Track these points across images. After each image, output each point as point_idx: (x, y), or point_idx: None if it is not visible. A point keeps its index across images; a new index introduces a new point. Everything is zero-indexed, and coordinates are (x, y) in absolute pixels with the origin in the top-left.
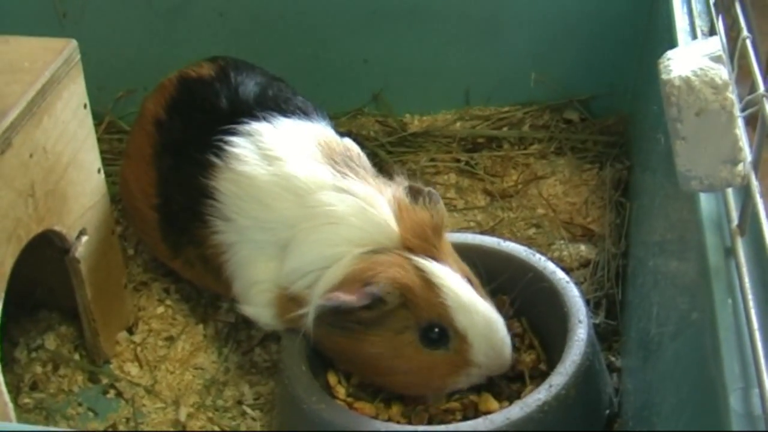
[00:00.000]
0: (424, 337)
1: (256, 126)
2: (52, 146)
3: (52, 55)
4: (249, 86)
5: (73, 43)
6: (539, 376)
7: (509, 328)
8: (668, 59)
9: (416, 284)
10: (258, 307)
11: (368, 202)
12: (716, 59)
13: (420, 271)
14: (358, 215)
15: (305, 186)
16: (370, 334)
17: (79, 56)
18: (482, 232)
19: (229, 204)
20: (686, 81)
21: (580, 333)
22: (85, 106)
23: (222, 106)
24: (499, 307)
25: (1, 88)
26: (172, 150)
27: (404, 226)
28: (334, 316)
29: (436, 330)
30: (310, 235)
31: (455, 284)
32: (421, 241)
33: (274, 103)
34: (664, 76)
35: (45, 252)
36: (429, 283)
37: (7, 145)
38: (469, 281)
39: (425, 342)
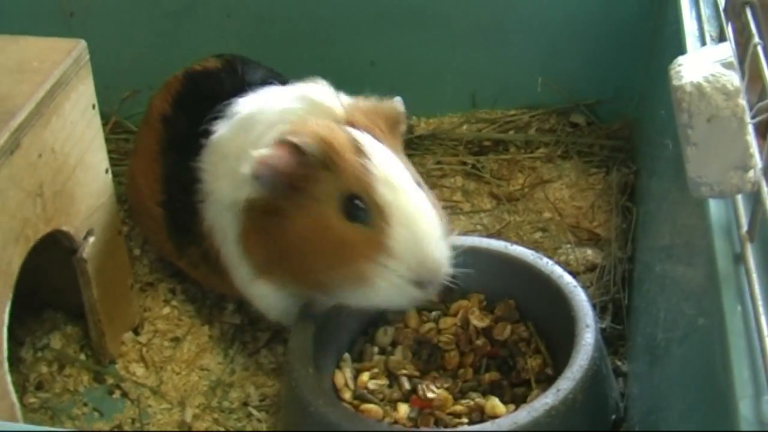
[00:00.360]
0: (345, 208)
1: (240, 100)
2: (60, 147)
3: (61, 56)
4: (256, 76)
5: (82, 43)
6: (545, 381)
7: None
8: (679, 65)
9: (343, 147)
10: (255, 287)
11: (315, 93)
12: (728, 65)
13: (353, 141)
14: (301, 101)
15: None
16: (295, 208)
17: (88, 57)
18: (488, 236)
19: (208, 179)
20: (698, 87)
21: (588, 337)
22: (93, 107)
23: (227, 93)
24: (506, 311)
25: (9, 88)
26: (177, 145)
27: (352, 110)
28: (267, 193)
29: (357, 201)
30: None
31: (386, 158)
32: (368, 122)
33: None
34: (675, 82)
35: (51, 252)
36: (359, 152)
37: (15, 146)
38: (419, 185)
39: (346, 213)
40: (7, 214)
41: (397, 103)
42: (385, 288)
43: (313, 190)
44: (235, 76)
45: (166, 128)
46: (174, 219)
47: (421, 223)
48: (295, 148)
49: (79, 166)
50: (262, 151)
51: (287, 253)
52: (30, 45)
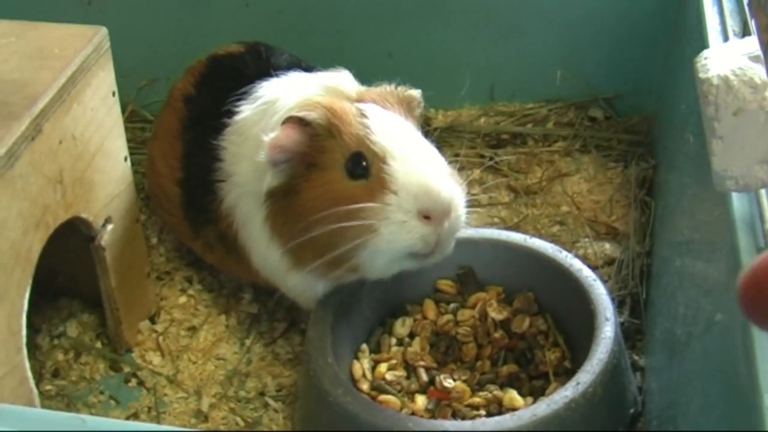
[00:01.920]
0: (349, 169)
1: (264, 84)
2: (80, 133)
3: (82, 42)
4: (280, 59)
5: (103, 30)
6: (564, 374)
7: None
8: (705, 58)
9: (347, 113)
10: (288, 276)
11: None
12: (755, 59)
13: (357, 108)
14: (320, 87)
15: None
16: (306, 182)
17: (108, 44)
18: (506, 229)
19: (229, 159)
20: (725, 80)
21: (607, 331)
22: (113, 94)
23: (252, 74)
24: (525, 304)
25: (31, 75)
26: (199, 122)
27: (365, 92)
28: (282, 172)
29: (360, 160)
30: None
31: (387, 118)
32: (380, 99)
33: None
34: (701, 75)
35: (68, 240)
36: (361, 116)
37: (37, 132)
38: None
39: (350, 173)
40: (28, 200)
41: (414, 90)
42: (391, 229)
43: (321, 160)
44: (259, 59)
45: (188, 108)
46: (191, 198)
47: (420, 156)
48: (300, 121)
49: (99, 153)
50: (271, 135)
51: (303, 226)
52: (51, 31)
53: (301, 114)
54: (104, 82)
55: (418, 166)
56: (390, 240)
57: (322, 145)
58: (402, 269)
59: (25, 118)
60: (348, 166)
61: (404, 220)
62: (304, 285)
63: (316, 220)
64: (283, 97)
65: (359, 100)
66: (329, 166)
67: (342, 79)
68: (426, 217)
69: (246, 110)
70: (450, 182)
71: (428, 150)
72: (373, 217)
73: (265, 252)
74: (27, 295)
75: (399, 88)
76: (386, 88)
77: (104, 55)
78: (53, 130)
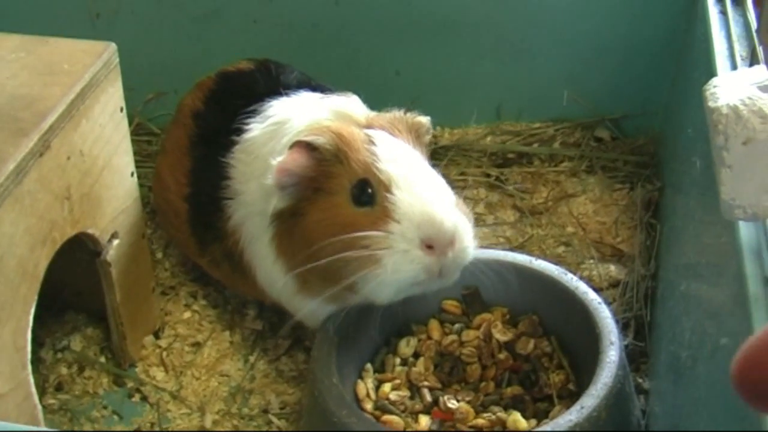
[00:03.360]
0: (355, 196)
1: (274, 102)
2: (88, 149)
3: (91, 58)
4: (290, 77)
5: (113, 46)
6: (568, 396)
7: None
8: (714, 86)
9: (355, 139)
10: (294, 297)
11: (343, 105)
12: (764, 88)
13: (366, 135)
14: (329, 111)
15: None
16: (312, 206)
17: (117, 60)
18: (511, 249)
19: (237, 177)
20: (734, 110)
21: (612, 355)
22: (121, 110)
23: (261, 92)
24: (529, 327)
25: (40, 90)
26: (207, 140)
27: (374, 117)
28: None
29: (365, 187)
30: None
31: (396, 145)
32: (388, 125)
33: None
34: (711, 104)
35: (73, 254)
36: (369, 143)
37: (45, 148)
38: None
39: (355, 200)
40: (36, 216)
41: (423, 117)
42: (394, 259)
43: (328, 186)
44: (269, 77)
45: (197, 124)
46: (198, 214)
47: (425, 186)
48: (308, 146)
49: (106, 169)
50: (279, 159)
51: (309, 253)
52: (60, 46)
53: (309, 138)
54: (113, 98)
55: (422, 195)
56: (393, 270)
57: (329, 170)
58: (407, 295)
59: (34, 135)
60: (354, 192)
61: (407, 249)
62: (310, 307)
63: (322, 248)
64: (293, 119)
65: (368, 125)
66: (335, 192)
67: (351, 104)
68: (429, 246)
69: (255, 129)
70: (454, 212)
71: (434, 179)
72: (376, 246)
73: (270, 271)
74: (32, 311)
75: (408, 115)
76: (395, 114)
77: (113, 71)
78: (61, 146)
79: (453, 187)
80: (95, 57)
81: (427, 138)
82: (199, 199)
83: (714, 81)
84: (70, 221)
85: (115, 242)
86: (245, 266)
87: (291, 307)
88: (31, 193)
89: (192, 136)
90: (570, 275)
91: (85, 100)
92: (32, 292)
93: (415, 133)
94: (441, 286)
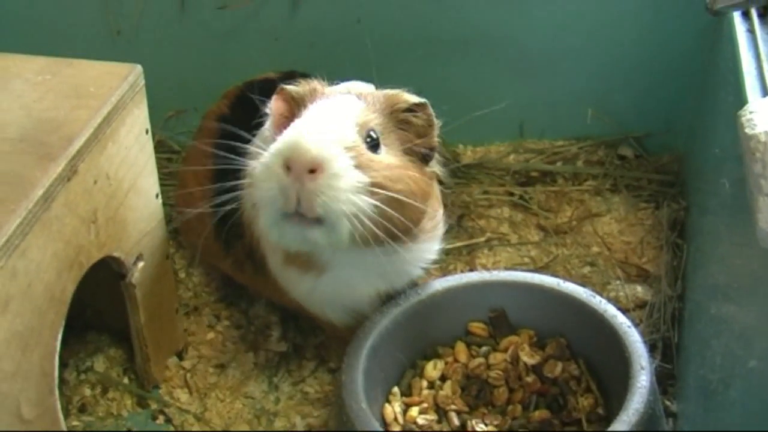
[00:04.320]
0: None
1: None
2: (114, 172)
3: (117, 81)
4: None
5: (138, 68)
6: (596, 420)
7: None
8: (750, 113)
9: (319, 93)
10: (293, 278)
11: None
12: None
13: (326, 93)
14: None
15: None
16: None
17: (143, 82)
18: (536, 269)
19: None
20: None
21: (643, 380)
22: (147, 131)
23: None
24: (557, 350)
25: (66, 113)
26: (231, 143)
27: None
28: None
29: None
30: None
31: (336, 98)
32: (369, 95)
33: None
34: (748, 131)
35: (97, 275)
36: (322, 95)
37: (73, 173)
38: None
39: None
40: (63, 241)
41: (414, 96)
42: (258, 171)
43: None
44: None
45: (222, 128)
46: (222, 216)
47: (311, 120)
48: (283, 92)
49: (132, 191)
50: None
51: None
52: (85, 69)
53: (287, 87)
54: (138, 120)
55: (301, 126)
56: (257, 187)
57: (294, 116)
58: (299, 249)
59: (62, 160)
60: None
61: (269, 165)
62: (315, 293)
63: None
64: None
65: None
66: None
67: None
68: (288, 167)
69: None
70: (329, 146)
71: (331, 118)
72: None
73: (272, 257)
74: (59, 336)
75: (397, 91)
76: (386, 90)
77: (139, 93)
78: (88, 170)
79: (476, 207)
80: (121, 79)
81: (418, 122)
82: (223, 202)
83: (749, 107)
84: (97, 245)
85: (140, 264)
86: (263, 261)
87: (297, 294)
88: (59, 218)
89: (217, 140)
90: (599, 298)
91: (111, 123)
92: (60, 318)
93: (389, 107)
94: (306, 227)
